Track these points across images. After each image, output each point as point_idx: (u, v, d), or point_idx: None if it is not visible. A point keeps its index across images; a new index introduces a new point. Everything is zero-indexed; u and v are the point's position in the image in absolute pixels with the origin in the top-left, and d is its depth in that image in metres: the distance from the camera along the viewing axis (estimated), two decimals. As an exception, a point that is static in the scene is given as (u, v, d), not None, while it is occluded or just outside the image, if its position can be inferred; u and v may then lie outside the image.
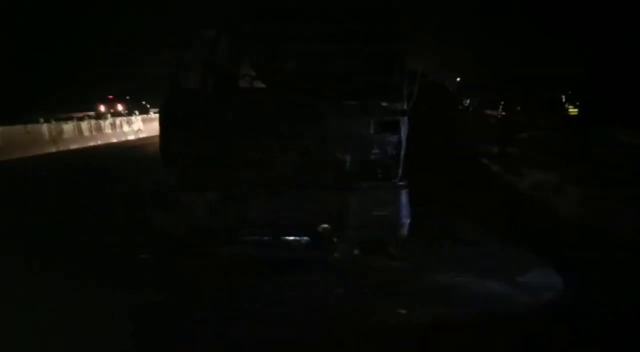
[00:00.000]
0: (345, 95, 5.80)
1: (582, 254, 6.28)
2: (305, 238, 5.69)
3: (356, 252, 5.96)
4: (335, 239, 5.61)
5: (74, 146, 18.88)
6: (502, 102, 22.01)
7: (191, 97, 5.94)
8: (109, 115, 25.67)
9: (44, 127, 17.95)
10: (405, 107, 5.79)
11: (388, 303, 5.10)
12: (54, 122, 18.68)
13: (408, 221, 5.78)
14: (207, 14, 6.11)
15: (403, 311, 4.94)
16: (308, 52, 6.36)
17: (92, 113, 25.79)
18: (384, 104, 5.74)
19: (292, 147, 5.64)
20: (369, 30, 6.07)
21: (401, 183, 5.73)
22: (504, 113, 21.32)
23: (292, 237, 5.68)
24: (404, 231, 5.78)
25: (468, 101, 29.59)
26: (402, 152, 5.75)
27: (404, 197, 5.71)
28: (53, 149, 17.72)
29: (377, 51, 6.15)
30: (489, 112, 25.64)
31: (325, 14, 6.05)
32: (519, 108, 26.89)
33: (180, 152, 5.63)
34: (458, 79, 28.93)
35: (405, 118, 5.78)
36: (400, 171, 5.75)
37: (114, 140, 21.98)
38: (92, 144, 20.18)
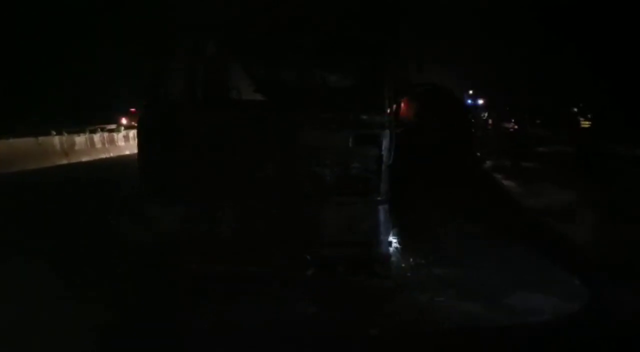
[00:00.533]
0: (324, 107, 5.67)
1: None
2: (281, 254, 5.52)
3: (340, 269, 5.78)
4: (308, 256, 5.44)
5: (85, 158, 19.07)
6: (514, 116, 21.74)
7: (167, 110, 5.85)
8: (122, 128, 25.86)
9: (56, 140, 18.16)
10: (386, 119, 5.62)
11: (359, 322, 4.91)
12: (65, 135, 18.89)
13: (387, 238, 5.59)
14: (186, 20, 6.00)
15: (374, 331, 4.76)
16: (289, 64, 6.23)
17: (113, 126, 26.10)
18: (364, 116, 5.59)
19: (267, 161, 5.52)
20: (351, 41, 5.92)
21: (380, 199, 5.55)
22: (516, 127, 21.04)
23: (265, 253, 5.51)
24: (383, 248, 5.59)
25: (485, 114, 29.32)
26: (384, 167, 5.58)
27: (382, 214, 5.52)
28: (64, 161, 17.90)
29: (358, 63, 6.01)
30: (506, 125, 25.37)
31: (308, 24, 5.93)
32: (538, 121, 26.54)
33: (155, 164, 5.55)
34: (470, 92, 28.61)
35: (387, 131, 5.62)
36: (381, 186, 5.57)
37: (127, 152, 22.13)
38: (104, 156, 20.34)
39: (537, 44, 28.63)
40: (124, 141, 22.92)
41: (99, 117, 25.32)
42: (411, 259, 6.38)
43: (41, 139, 17.45)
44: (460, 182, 9.88)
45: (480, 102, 31.36)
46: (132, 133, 24.00)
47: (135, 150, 20.02)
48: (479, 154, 15.80)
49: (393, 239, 6.22)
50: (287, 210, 5.46)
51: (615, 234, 7.61)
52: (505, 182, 13.50)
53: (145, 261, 5.58)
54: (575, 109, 25.15)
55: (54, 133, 18.45)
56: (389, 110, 5.88)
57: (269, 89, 6.28)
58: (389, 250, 5.69)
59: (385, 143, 5.59)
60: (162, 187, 5.51)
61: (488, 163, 16.50)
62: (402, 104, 14.69)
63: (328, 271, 5.67)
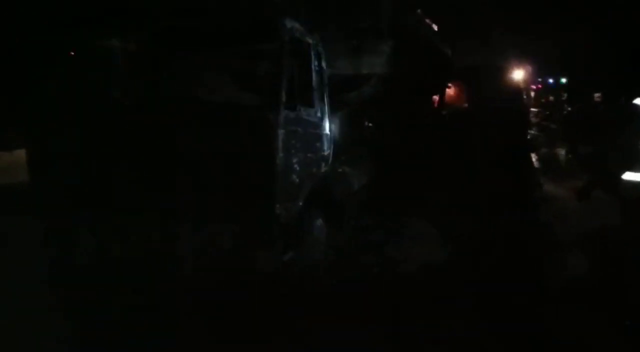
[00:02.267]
0: (207, 103, 4.77)
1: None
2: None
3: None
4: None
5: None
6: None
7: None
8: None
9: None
10: (279, 114, 4.60)
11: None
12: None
13: (288, 257, 4.76)
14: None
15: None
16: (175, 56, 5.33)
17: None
18: (249, 111, 4.60)
19: (139, 167, 4.61)
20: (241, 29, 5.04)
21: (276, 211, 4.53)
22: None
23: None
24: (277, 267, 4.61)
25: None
26: (278, 170, 4.54)
27: (276, 230, 4.56)
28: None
29: (250, 53, 5.12)
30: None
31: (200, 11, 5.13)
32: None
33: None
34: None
35: (281, 131, 4.58)
36: (274, 195, 4.52)
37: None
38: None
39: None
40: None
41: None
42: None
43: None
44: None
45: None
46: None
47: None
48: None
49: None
50: (159, 225, 4.56)
51: None
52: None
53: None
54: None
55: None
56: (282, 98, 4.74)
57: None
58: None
59: (280, 141, 4.58)
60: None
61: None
62: (450, 89, 12.75)
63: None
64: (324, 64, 5.83)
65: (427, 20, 11.58)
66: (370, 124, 8.33)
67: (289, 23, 4.98)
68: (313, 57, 5.50)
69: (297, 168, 4.86)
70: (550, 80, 25.03)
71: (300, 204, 4.97)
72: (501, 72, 12.43)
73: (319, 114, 5.51)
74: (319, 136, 5.50)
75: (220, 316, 4.19)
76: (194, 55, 5.31)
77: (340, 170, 6.12)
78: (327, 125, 5.72)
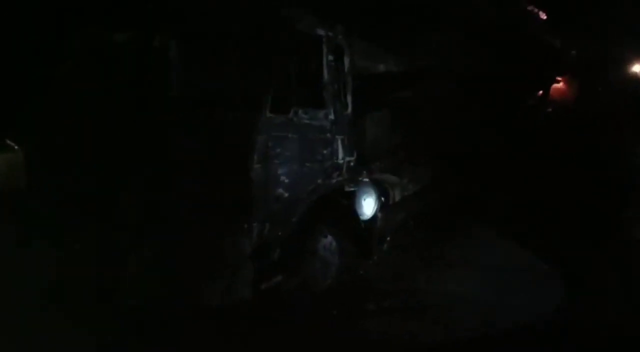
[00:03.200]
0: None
1: None
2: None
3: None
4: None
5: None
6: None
7: None
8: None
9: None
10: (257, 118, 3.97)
11: None
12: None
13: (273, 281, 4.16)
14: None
15: None
16: None
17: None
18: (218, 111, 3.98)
19: None
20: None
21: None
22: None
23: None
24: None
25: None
26: (252, 181, 3.90)
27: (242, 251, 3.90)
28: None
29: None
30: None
31: None
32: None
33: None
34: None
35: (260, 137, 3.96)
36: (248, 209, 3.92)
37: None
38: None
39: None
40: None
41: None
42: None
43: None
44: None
45: None
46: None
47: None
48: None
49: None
50: None
51: None
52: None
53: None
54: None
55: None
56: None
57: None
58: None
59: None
60: None
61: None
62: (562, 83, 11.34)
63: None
64: (346, 60, 5.11)
65: (531, 8, 10.25)
66: (439, 125, 7.40)
67: (286, 12, 4.34)
68: (327, 51, 4.80)
69: (288, 180, 4.21)
70: None
71: (295, 220, 4.32)
72: (619, 64, 10.74)
73: (330, 117, 4.79)
74: (329, 141, 4.77)
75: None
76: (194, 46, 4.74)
77: (365, 179, 5.33)
78: (345, 128, 4.99)
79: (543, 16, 10.44)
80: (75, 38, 4.62)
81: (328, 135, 4.76)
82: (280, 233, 4.20)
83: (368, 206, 5.26)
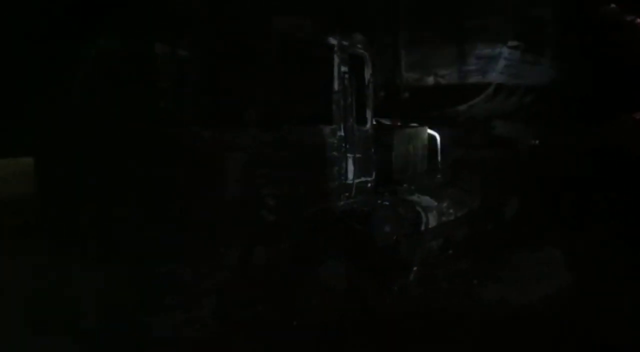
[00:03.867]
0: None
1: None
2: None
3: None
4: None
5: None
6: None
7: None
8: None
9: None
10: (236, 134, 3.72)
11: None
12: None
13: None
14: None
15: None
16: None
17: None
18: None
19: None
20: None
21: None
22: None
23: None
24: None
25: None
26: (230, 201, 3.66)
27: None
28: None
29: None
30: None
31: None
32: None
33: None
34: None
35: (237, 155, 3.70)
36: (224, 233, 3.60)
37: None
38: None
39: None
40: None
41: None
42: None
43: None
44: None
45: None
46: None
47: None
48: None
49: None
50: None
51: None
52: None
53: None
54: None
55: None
56: None
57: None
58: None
59: None
60: None
61: None
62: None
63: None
64: (367, 71, 4.70)
65: (626, 17, 9.13)
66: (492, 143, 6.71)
67: (283, 21, 4.02)
68: (339, 62, 4.42)
69: (274, 202, 3.87)
70: None
71: (286, 246, 3.97)
72: None
73: (339, 133, 4.40)
74: (335, 160, 4.38)
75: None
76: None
77: (386, 202, 4.82)
78: (360, 146, 4.56)
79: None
80: (87, 46, 4.65)
81: (335, 153, 4.38)
82: (270, 260, 3.89)
83: (386, 231, 4.77)
